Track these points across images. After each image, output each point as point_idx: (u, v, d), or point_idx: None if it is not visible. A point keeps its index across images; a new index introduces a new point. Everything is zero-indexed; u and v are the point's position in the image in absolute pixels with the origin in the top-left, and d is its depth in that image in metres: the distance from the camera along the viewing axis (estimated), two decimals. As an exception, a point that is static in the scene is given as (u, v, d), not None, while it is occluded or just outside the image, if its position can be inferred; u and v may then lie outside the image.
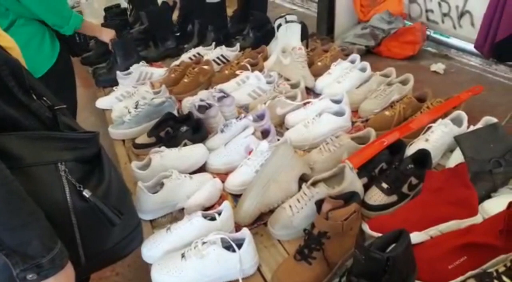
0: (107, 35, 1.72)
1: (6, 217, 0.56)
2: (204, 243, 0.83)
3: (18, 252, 0.57)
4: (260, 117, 1.28)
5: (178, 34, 2.06)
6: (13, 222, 0.56)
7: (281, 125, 1.35)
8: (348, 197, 0.88)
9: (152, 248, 0.88)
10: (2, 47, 0.66)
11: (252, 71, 1.58)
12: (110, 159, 0.73)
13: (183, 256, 0.83)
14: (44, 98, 0.68)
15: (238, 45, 1.86)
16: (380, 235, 0.82)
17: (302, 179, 1.03)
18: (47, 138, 0.64)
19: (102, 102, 1.58)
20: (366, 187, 1.00)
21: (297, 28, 1.78)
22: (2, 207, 0.56)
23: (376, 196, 0.97)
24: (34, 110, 0.64)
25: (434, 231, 0.87)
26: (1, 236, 0.56)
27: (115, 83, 1.66)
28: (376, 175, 1.03)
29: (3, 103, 0.60)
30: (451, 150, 1.12)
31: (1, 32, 0.71)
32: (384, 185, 0.98)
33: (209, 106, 1.34)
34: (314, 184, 0.96)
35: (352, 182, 0.95)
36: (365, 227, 0.89)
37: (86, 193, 0.64)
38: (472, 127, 1.12)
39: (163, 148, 1.16)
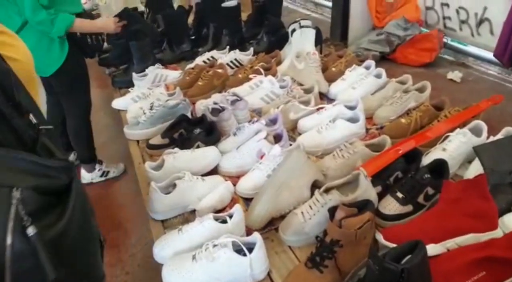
0: (107, 26, 1.70)
1: None
2: (215, 245, 0.82)
3: None
4: (273, 121, 1.27)
5: (193, 37, 2.07)
6: None
7: (293, 130, 1.34)
8: (362, 205, 0.87)
9: (164, 249, 0.88)
10: (2, 56, 0.61)
11: (266, 75, 1.58)
12: (84, 193, 0.63)
13: (194, 258, 0.82)
14: (31, 115, 0.60)
15: (252, 49, 1.87)
16: (394, 245, 0.80)
17: (315, 185, 1.01)
18: (12, 158, 0.55)
19: (118, 103, 1.60)
20: (380, 196, 0.98)
21: (311, 33, 1.77)
22: None
23: (390, 205, 0.95)
24: (16, 127, 0.58)
25: (451, 243, 0.84)
26: None
27: (131, 84, 1.68)
28: (391, 183, 1.01)
29: None
30: (469, 161, 1.09)
31: (11, 42, 0.68)
32: (399, 194, 0.95)
33: (222, 109, 1.34)
34: (327, 190, 0.95)
35: (367, 190, 0.93)
36: (379, 237, 0.87)
37: (30, 231, 0.52)
38: (491, 138, 1.09)
39: (176, 149, 1.16)
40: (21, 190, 0.53)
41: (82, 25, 1.60)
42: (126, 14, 1.79)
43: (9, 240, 0.52)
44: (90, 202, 0.67)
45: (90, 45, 1.70)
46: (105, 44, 1.94)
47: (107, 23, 1.71)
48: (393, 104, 1.33)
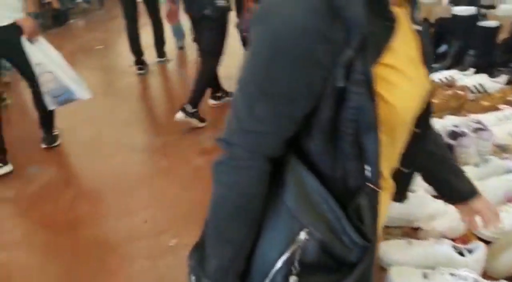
0: None
1: (222, 227, 0.55)
2: (452, 275, 0.77)
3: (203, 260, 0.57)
4: (530, 165, 1.08)
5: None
6: (226, 235, 0.55)
7: (556, 184, 1.10)
8: None
9: (391, 253, 0.89)
10: (377, 94, 0.49)
11: (522, 110, 1.34)
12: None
13: (425, 276, 0.80)
14: (367, 166, 0.50)
15: (505, 77, 1.62)
16: None
17: None
18: (327, 202, 0.50)
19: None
20: None
21: None
22: (229, 218, 0.54)
23: None
24: (347, 170, 0.51)
25: None
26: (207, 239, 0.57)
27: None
28: None
29: (325, 143, 0.51)
30: None
31: (395, 80, 0.51)
32: None
33: (463, 134, 1.23)
34: None
35: None
36: None
37: (291, 281, 0.51)
38: None
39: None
40: (309, 235, 0.50)
41: None
42: None
43: (272, 274, 0.52)
44: None
45: None
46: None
47: None
48: None
